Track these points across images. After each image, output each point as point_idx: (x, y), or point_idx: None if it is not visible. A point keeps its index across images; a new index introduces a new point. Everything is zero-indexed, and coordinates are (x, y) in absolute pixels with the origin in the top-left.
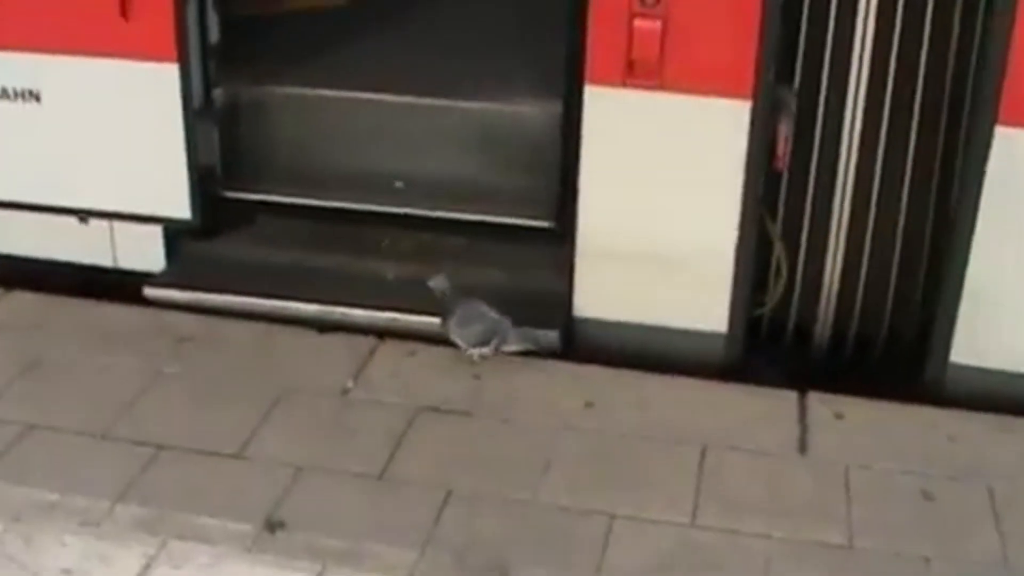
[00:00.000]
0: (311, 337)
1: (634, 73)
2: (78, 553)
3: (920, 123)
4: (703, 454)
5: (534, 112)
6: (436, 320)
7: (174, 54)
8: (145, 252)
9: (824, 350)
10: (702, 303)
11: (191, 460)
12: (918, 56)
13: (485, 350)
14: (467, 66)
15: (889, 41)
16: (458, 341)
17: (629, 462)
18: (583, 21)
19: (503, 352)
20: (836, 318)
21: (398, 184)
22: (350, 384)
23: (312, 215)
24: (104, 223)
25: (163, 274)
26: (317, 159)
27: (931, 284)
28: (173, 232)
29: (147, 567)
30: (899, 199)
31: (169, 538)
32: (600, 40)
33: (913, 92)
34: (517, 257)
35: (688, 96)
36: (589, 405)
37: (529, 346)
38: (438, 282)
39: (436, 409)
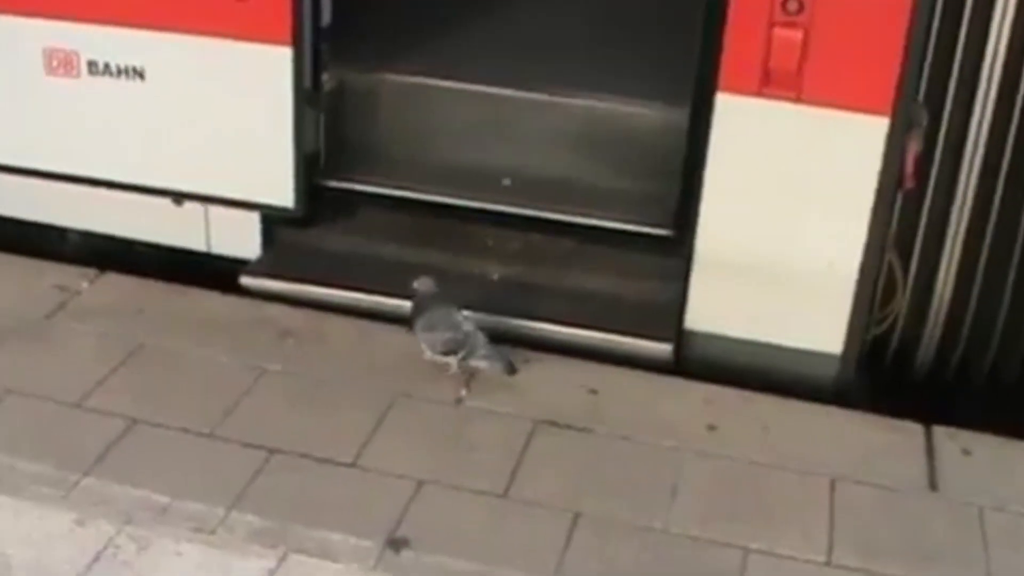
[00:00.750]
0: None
1: (770, 83)
2: (194, 563)
3: None
4: (832, 487)
5: (653, 115)
6: (546, 326)
7: (288, 37)
8: (240, 238)
9: (924, 374)
10: (818, 323)
11: (305, 467)
12: None
13: (451, 360)
14: (585, 62)
15: (1021, 57)
16: (422, 345)
17: (758, 492)
18: (720, 26)
19: (469, 368)
20: (941, 342)
21: (506, 182)
22: (463, 392)
23: (415, 209)
24: (199, 207)
25: (259, 263)
26: (423, 151)
27: None
28: (270, 219)
29: None
30: (1018, 223)
31: (289, 551)
32: (737, 47)
33: None
34: (627, 264)
35: (824, 109)
36: (712, 428)
37: (498, 368)
38: (423, 284)
39: (554, 423)
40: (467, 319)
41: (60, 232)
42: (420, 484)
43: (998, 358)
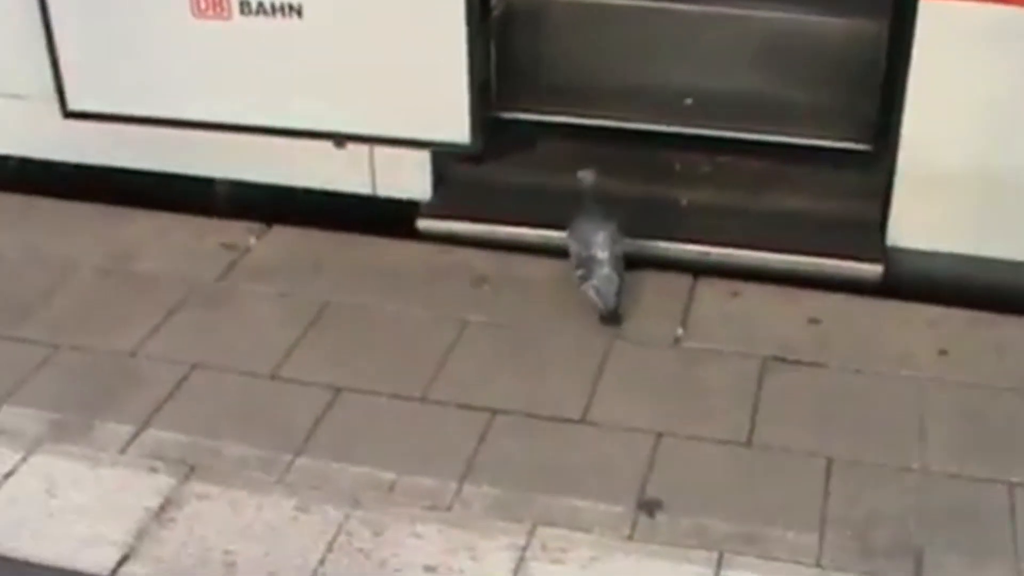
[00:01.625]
0: None
1: None
2: (438, 546)
3: None
4: None
5: (837, 25)
6: (754, 254)
7: None
8: (409, 179)
9: None
10: None
11: (533, 428)
12: None
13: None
14: None
15: None
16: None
17: (1007, 420)
18: None
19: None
20: None
21: (688, 101)
22: (679, 331)
23: (593, 136)
24: (363, 148)
25: (434, 204)
26: (597, 74)
27: None
28: (440, 157)
29: (521, 560)
30: None
31: (537, 524)
32: None
33: None
34: (823, 183)
35: None
36: (943, 353)
37: (596, 303)
38: (585, 176)
39: (783, 360)
40: (605, 243)
41: (209, 184)
42: (659, 437)
43: None
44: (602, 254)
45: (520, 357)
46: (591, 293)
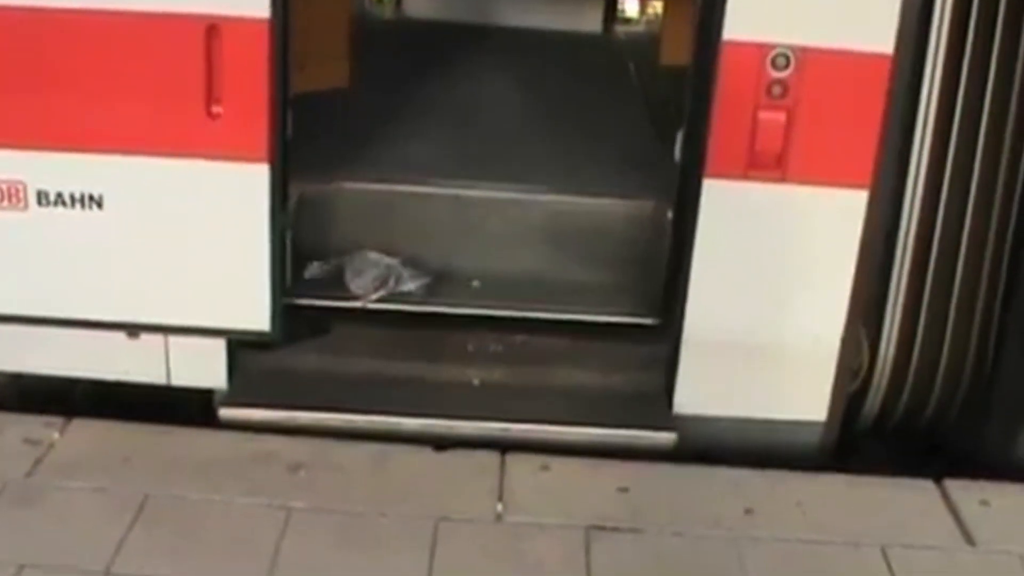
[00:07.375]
0: (429, 455)
1: (756, 165)
2: None
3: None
4: (884, 554)
5: (615, 208)
6: (552, 428)
7: (264, 153)
8: (203, 367)
9: (868, 428)
10: (803, 393)
11: None
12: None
13: (383, 292)
14: (545, 160)
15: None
16: (357, 292)
17: (823, 569)
18: (706, 114)
19: (402, 291)
20: (885, 395)
21: (475, 283)
22: (499, 507)
23: (385, 320)
24: (157, 338)
25: (233, 392)
26: None
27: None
28: (236, 344)
29: None
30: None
31: None
32: (723, 133)
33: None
34: (614, 356)
35: (807, 187)
36: (749, 512)
37: (426, 280)
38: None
39: (602, 528)
40: (383, 256)
41: None
42: None
43: (937, 407)
44: (389, 260)
45: (351, 542)
46: (412, 284)
